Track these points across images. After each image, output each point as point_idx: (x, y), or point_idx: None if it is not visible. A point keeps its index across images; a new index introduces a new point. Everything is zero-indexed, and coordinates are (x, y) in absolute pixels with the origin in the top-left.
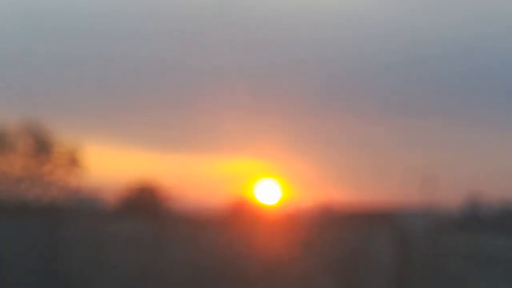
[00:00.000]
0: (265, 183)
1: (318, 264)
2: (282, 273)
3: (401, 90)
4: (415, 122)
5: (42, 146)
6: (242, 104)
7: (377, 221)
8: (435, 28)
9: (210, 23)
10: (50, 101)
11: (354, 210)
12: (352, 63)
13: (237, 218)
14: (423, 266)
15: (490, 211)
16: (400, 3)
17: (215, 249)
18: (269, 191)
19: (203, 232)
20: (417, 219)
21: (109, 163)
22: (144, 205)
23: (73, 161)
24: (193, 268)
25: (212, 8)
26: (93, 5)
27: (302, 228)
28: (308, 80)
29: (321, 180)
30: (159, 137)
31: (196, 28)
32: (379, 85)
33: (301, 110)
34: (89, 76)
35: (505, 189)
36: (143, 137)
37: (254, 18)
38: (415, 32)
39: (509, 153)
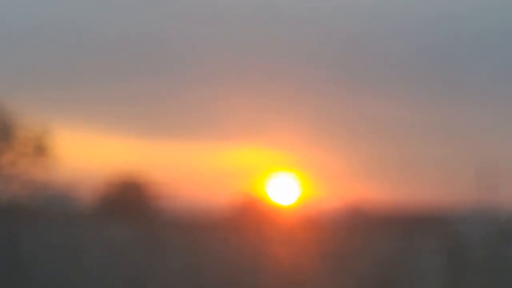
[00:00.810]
0: (280, 178)
1: (347, 278)
2: None
3: (447, 68)
4: (467, 104)
5: (1, 129)
6: (252, 84)
7: (421, 226)
8: None
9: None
10: (15, 77)
11: (391, 212)
12: (385, 37)
13: (246, 222)
14: (480, 283)
15: None
16: None
17: (218, 259)
18: (285, 188)
19: (203, 239)
20: (473, 224)
21: (87, 153)
22: (129, 204)
23: (40, 149)
24: (191, 283)
25: None
26: None
27: (326, 233)
28: (332, 58)
29: (349, 174)
30: (149, 121)
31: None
32: (418, 62)
33: (324, 91)
34: (64, 50)
35: None
36: (130, 122)
37: None
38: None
39: None
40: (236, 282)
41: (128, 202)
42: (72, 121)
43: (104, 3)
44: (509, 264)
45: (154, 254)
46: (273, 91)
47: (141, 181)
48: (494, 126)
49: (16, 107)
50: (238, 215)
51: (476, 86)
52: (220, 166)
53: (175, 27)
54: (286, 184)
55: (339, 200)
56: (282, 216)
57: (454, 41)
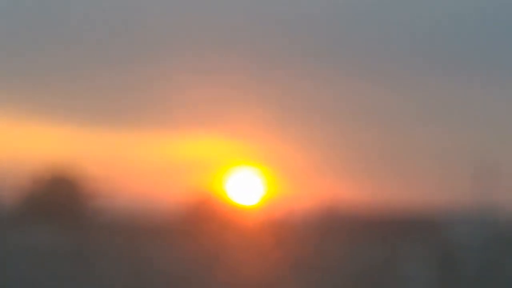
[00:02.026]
0: (241, 174)
1: None
2: None
3: (436, 40)
4: (461, 86)
5: None
6: (211, 68)
7: (407, 230)
8: None
9: None
10: None
11: (372, 214)
12: (361, 12)
13: (200, 225)
14: None
15: None
16: None
17: (167, 269)
18: (247, 186)
19: (149, 245)
20: (468, 228)
21: (9, 143)
22: (60, 204)
23: None
24: None
25: None
26: None
27: (295, 239)
28: (299, 41)
29: (323, 170)
30: (88, 109)
31: None
32: (399, 36)
33: (291, 77)
34: None
35: None
36: (64, 109)
37: None
38: None
39: None
40: None
41: (58, 201)
42: None
43: None
44: (508, 273)
45: (89, 263)
46: (235, 76)
47: (75, 177)
48: (497, 115)
49: None
50: (191, 217)
51: (479, 65)
52: (170, 159)
53: (126, 10)
54: (248, 181)
55: (310, 200)
56: (243, 218)
57: (456, 14)
